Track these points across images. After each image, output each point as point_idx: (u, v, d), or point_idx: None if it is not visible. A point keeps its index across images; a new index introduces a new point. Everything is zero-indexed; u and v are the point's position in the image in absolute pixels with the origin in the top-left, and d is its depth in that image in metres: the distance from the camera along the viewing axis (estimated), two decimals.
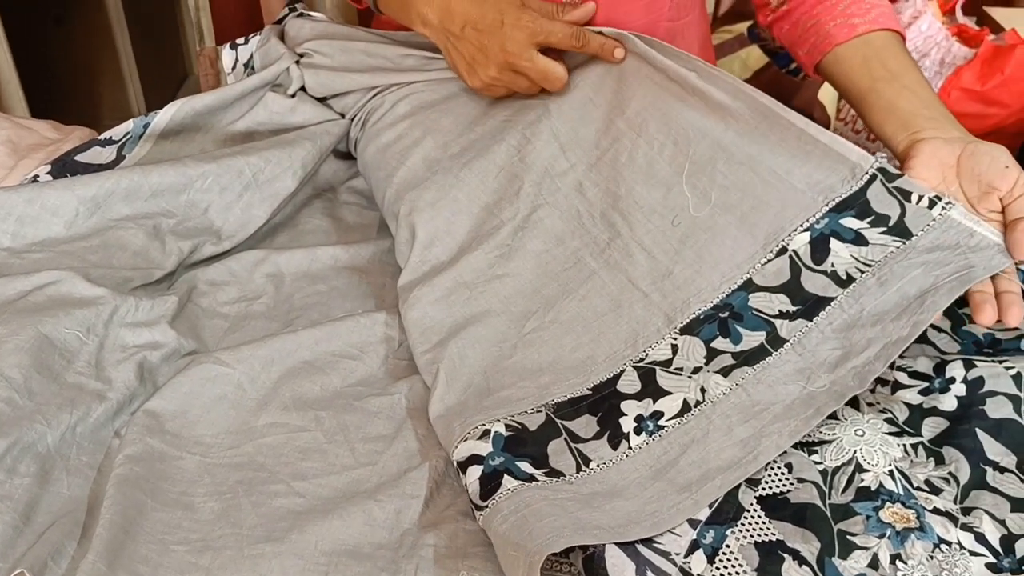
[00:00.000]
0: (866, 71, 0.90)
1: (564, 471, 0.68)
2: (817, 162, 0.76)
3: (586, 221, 0.84)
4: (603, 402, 0.73)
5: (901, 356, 0.79)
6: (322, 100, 1.06)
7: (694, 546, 0.62)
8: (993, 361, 0.75)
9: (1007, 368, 0.73)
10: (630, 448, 0.69)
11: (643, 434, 0.70)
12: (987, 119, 1.35)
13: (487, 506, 0.64)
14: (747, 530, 0.64)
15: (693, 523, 0.64)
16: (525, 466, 0.67)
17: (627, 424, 0.71)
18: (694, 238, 0.79)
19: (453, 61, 0.91)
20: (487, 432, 0.69)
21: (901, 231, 0.73)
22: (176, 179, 0.90)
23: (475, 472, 0.66)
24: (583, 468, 0.68)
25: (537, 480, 0.66)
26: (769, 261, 0.76)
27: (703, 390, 0.72)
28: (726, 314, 0.75)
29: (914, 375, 0.77)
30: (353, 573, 0.62)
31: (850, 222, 0.74)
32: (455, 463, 0.68)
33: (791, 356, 0.72)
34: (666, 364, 0.74)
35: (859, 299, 0.72)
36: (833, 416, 0.73)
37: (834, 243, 0.74)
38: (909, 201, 0.74)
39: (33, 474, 0.65)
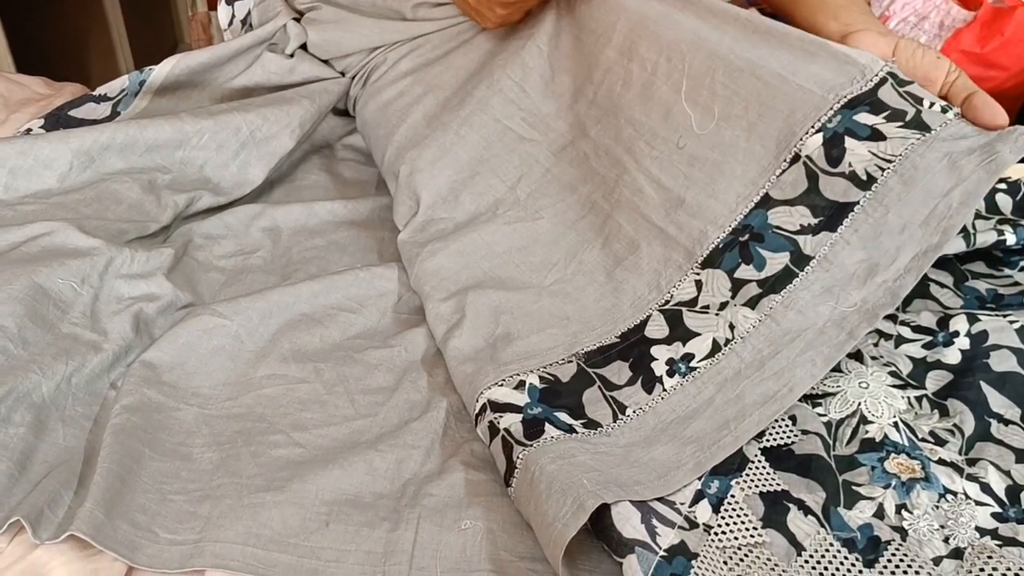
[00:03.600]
0: None
1: (601, 421, 0.67)
2: (823, 63, 0.72)
3: (593, 163, 0.83)
4: (633, 348, 0.72)
5: (903, 310, 0.79)
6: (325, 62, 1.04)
7: (699, 496, 0.62)
8: (997, 315, 0.74)
9: (1011, 322, 0.72)
10: (664, 391, 0.69)
11: (676, 376, 0.70)
12: (986, 82, 1.34)
13: (532, 445, 0.63)
14: (752, 480, 0.64)
15: None
16: (563, 416, 0.66)
17: (659, 368, 0.70)
18: (702, 158, 0.75)
19: (463, 9, 0.89)
20: (522, 383, 0.69)
21: (919, 124, 0.70)
22: (172, 135, 0.89)
23: (514, 417, 0.66)
24: (619, 416, 0.68)
25: (576, 432, 0.65)
26: (784, 171, 0.72)
27: (732, 327, 0.71)
28: (746, 237, 0.73)
29: (917, 329, 0.77)
30: (355, 522, 0.61)
31: (864, 118, 0.71)
32: (483, 403, 0.67)
33: (818, 274, 0.69)
34: (692, 304, 0.73)
35: (883, 201, 0.68)
36: (837, 369, 0.72)
37: (849, 141, 0.70)
38: (922, 105, 0.71)
39: (28, 423, 0.64)
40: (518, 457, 0.63)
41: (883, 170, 0.69)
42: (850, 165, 0.69)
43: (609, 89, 0.83)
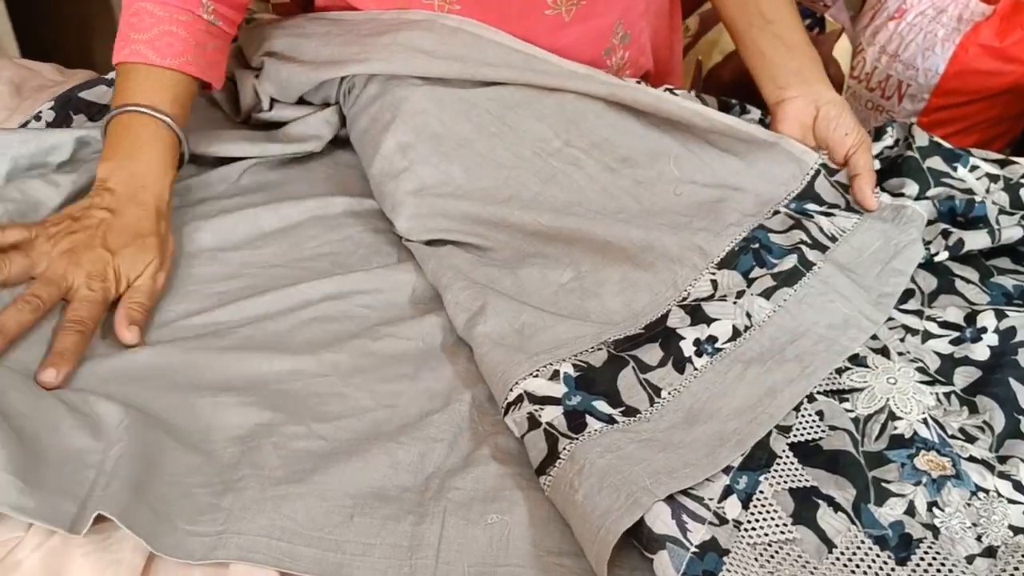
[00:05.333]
0: (743, 14, 0.96)
1: (639, 407, 0.67)
2: (768, 161, 0.87)
3: (594, 191, 0.85)
4: (658, 336, 0.72)
5: (930, 306, 0.78)
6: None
7: (727, 491, 0.61)
8: None
9: None
10: (696, 370, 0.70)
11: (704, 356, 0.71)
12: (1005, 76, 1.33)
13: (579, 438, 0.63)
14: (780, 476, 0.63)
15: (726, 469, 0.63)
16: (602, 405, 0.66)
17: (687, 348, 0.71)
18: (699, 205, 0.84)
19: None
20: (556, 372, 0.68)
21: (854, 211, 0.85)
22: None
23: (556, 410, 0.65)
24: (656, 400, 0.68)
25: (617, 422, 0.65)
26: (769, 218, 0.83)
27: (748, 315, 0.74)
28: (756, 245, 0.79)
29: (944, 325, 0.76)
30: (379, 515, 0.60)
31: (812, 207, 0.85)
32: (519, 393, 0.67)
33: (823, 273, 0.77)
34: (708, 299, 0.75)
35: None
36: (864, 364, 0.72)
37: (808, 218, 0.83)
38: (848, 193, 0.86)
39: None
40: (564, 449, 0.62)
41: (842, 234, 0.82)
42: (819, 225, 0.83)
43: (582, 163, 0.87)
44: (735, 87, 1.27)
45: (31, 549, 0.57)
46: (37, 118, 0.91)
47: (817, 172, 0.87)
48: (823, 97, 0.91)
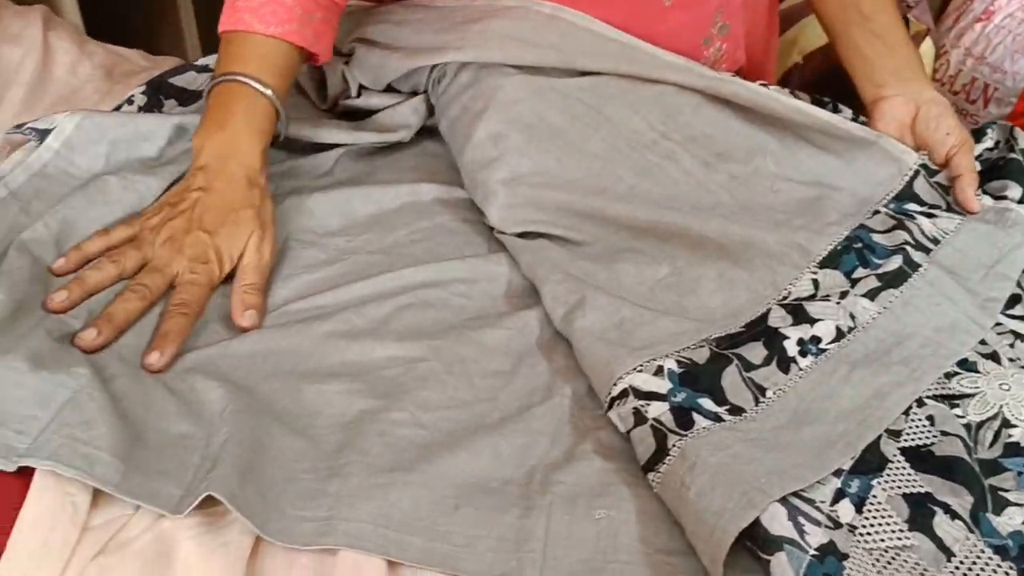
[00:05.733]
0: (841, 12, 0.95)
1: (744, 406, 0.66)
2: (866, 160, 0.86)
3: (689, 186, 0.83)
4: (761, 335, 0.71)
5: None
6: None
7: (839, 495, 0.60)
8: None
9: None
10: (800, 370, 0.68)
11: (809, 356, 0.69)
12: None
13: (688, 435, 0.62)
14: (893, 481, 0.61)
15: (837, 472, 0.61)
16: (707, 403, 0.65)
17: (791, 348, 0.69)
18: (797, 202, 0.83)
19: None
20: (660, 368, 0.67)
21: (955, 211, 0.84)
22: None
23: (662, 406, 0.64)
24: (761, 399, 0.66)
25: (723, 420, 0.64)
26: (869, 218, 0.81)
27: (852, 316, 0.72)
28: (859, 245, 0.77)
29: None
30: (484, 506, 0.59)
31: (912, 207, 0.83)
32: (624, 388, 0.66)
33: (928, 275, 0.76)
34: (811, 298, 0.74)
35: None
36: (974, 369, 0.70)
37: (910, 219, 0.82)
38: (948, 194, 0.85)
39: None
40: (673, 445, 0.61)
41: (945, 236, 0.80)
42: (920, 226, 0.81)
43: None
44: (816, 86, 1.25)
45: (140, 530, 0.56)
46: (129, 102, 0.92)
47: (916, 172, 0.85)
48: (923, 96, 0.89)
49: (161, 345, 0.66)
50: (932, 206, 0.84)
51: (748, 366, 0.68)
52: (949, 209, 0.84)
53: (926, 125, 0.88)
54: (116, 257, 0.70)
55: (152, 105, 0.93)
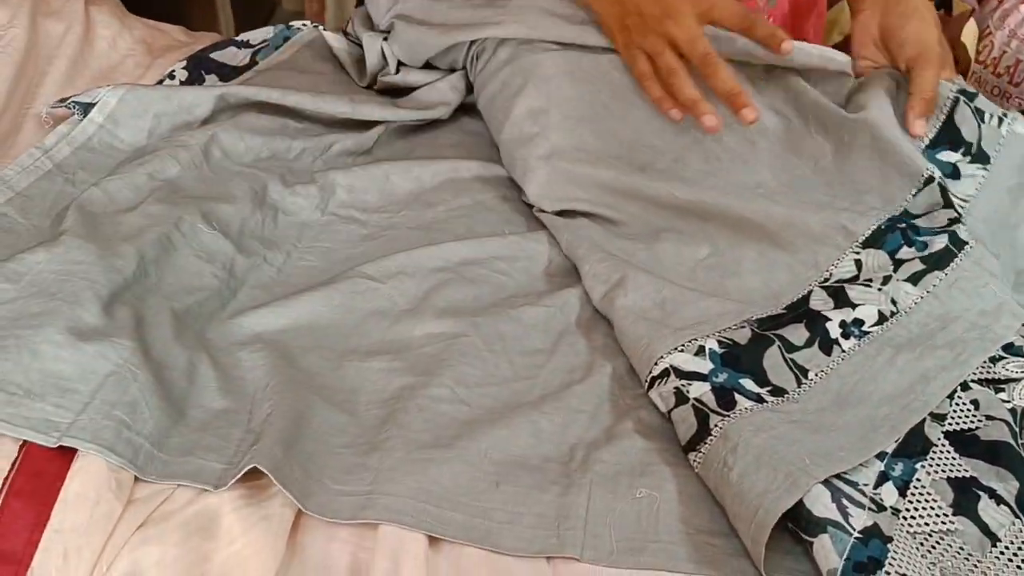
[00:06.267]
0: None
1: (786, 387, 0.65)
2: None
3: (732, 164, 0.82)
4: (802, 317, 0.70)
5: None
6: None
7: (883, 478, 0.59)
8: None
9: None
10: (843, 352, 0.67)
11: (852, 338, 0.68)
12: None
13: (730, 415, 0.61)
14: (937, 465, 0.61)
15: (880, 455, 0.60)
16: (749, 384, 0.65)
17: (834, 330, 0.69)
18: (842, 174, 0.80)
19: (604, 19, 0.84)
20: (702, 348, 0.67)
21: (981, 157, 0.79)
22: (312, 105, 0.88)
23: (703, 386, 0.64)
24: (803, 381, 0.66)
25: (765, 401, 0.63)
26: (914, 196, 0.77)
27: (894, 301, 0.70)
28: (903, 225, 0.75)
29: None
30: (524, 484, 0.59)
31: (946, 155, 0.79)
32: (664, 367, 0.66)
33: (975, 254, 0.72)
34: (852, 280, 0.72)
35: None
36: (1019, 353, 0.69)
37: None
38: (983, 121, 0.79)
39: (181, 368, 0.64)
40: (715, 425, 0.60)
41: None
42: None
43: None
44: None
45: (183, 502, 0.57)
46: (171, 77, 0.92)
47: (956, 100, 0.80)
48: (892, 8, 0.85)
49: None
50: (967, 146, 0.80)
51: (790, 347, 0.67)
52: (978, 154, 0.80)
53: (890, 35, 0.84)
54: None
55: (193, 80, 0.93)
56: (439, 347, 0.68)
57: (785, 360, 0.67)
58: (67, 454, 0.57)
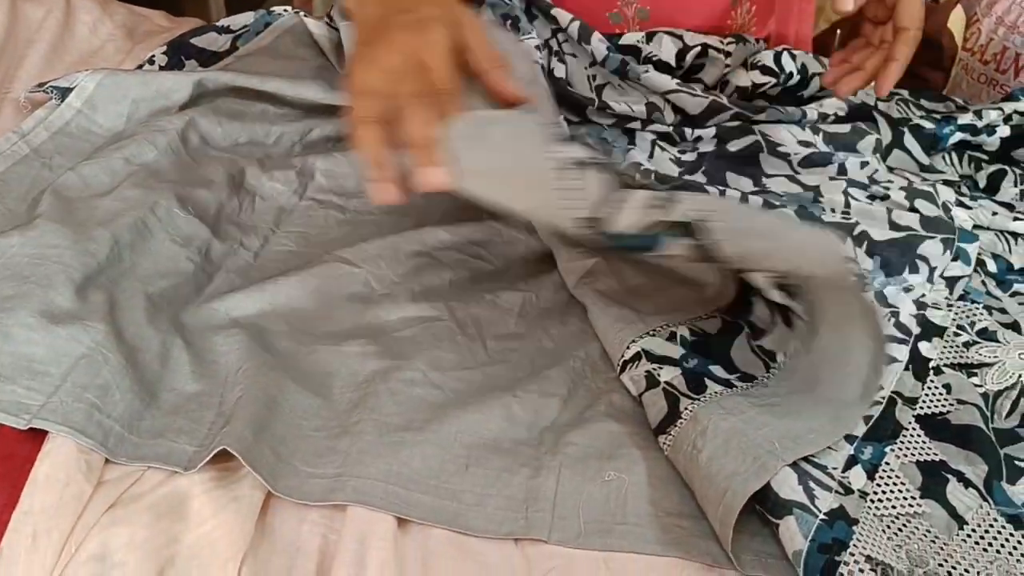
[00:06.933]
0: None
1: (756, 374, 0.65)
2: None
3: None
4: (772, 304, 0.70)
5: None
6: None
7: (852, 461, 0.59)
8: None
9: None
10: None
11: None
12: None
13: (700, 399, 0.62)
14: (907, 448, 0.61)
15: (850, 439, 0.61)
16: (718, 371, 0.65)
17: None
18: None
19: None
20: (674, 334, 0.67)
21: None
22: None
23: (674, 370, 0.64)
24: (771, 365, 0.66)
25: (735, 386, 0.64)
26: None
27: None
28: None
29: None
30: (494, 466, 0.59)
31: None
32: (636, 351, 0.66)
33: None
34: None
35: None
36: (993, 339, 0.69)
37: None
38: None
39: (155, 351, 0.64)
40: (685, 408, 0.60)
41: None
42: None
43: None
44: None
45: (153, 484, 0.57)
46: (151, 62, 0.92)
47: None
48: None
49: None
50: None
51: (758, 334, 0.68)
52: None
53: None
54: None
55: (173, 65, 0.93)
56: (414, 331, 0.69)
57: (751, 347, 0.67)
58: (37, 436, 0.57)
